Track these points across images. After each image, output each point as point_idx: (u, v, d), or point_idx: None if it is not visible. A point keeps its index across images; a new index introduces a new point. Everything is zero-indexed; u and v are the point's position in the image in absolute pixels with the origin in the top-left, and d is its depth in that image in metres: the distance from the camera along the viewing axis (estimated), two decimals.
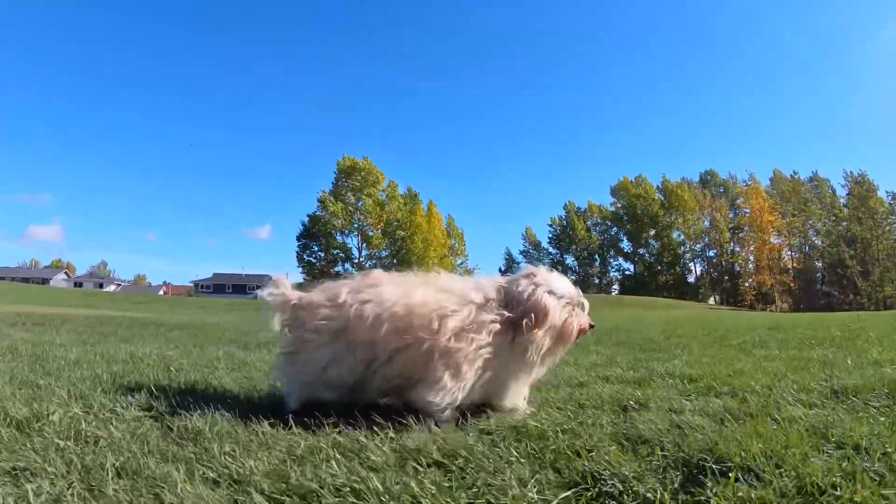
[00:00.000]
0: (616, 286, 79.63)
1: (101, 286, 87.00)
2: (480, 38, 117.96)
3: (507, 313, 2.79)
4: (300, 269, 75.49)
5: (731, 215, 76.53)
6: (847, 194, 72.55)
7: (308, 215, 73.17)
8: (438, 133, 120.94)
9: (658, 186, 77.50)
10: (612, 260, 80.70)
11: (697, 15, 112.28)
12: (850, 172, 71.73)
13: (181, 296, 74.32)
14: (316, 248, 73.92)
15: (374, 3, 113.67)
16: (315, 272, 74.58)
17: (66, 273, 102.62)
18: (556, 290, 2.88)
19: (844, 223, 71.12)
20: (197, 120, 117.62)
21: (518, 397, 3.06)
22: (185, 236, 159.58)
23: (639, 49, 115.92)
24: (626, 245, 79.81)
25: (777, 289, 72.57)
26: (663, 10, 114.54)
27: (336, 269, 75.06)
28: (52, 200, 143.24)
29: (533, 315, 2.76)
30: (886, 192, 69.62)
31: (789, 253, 74.85)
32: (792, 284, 72.93)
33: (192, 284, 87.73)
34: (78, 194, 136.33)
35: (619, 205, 78.45)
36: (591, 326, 3.06)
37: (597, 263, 79.76)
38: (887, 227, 68.98)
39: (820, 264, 73.63)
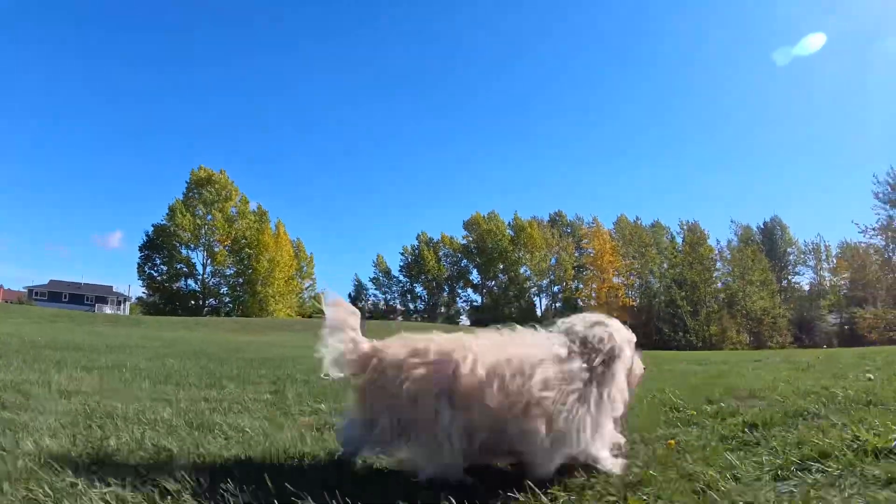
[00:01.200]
0: (463, 316, 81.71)
1: None
2: (342, 62, 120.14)
3: (588, 358, 2.87)
4: (140, 282, 74.13)
5: (576, 254, 79.95)
6: (682, 241, 77.31)
7: (153, 225, 72.28)
8: (293, 154, 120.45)
9: (509, 223, 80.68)
10: (460, 290, 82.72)
11: (559, 55, 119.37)
12: (686, 221, 76.81)
13: (10, 302, 72.17)
14: (159, 261, 72.92)
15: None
16: (156, 286, 73.58)
17: None
18: (624, 336, 3.03)
19: (678, 267, 75.54)
20: (50, 117, 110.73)
21: (603, 447, 2.99)
22: (34, 239, 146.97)
23: (501, 87, 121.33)
24: (475, 277, 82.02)
25: None
26: (525, 45, 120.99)
27: (178, 284, 74.21)
28: None
29: (613, 361, 2.89)
30: (716, 240, 74.83)
31: (628, 292, 78.46)
32: (628, 321, 76.01)
33: (25, 290, 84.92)
34: None
35: (470, 238, 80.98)
36: (644, 369, 3.25)
37: (445, 293, 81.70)
38: (714, 273, 73.55)
39: (655, 304, 77.51)
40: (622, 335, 3.00)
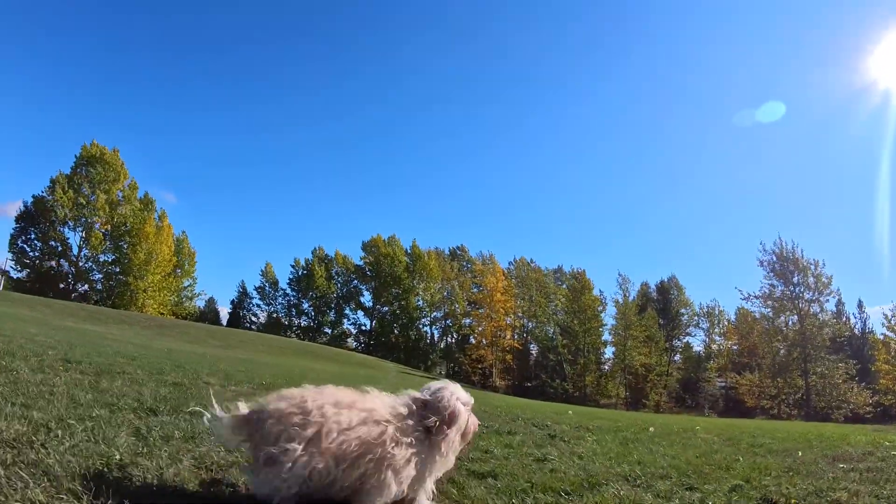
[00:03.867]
0: (350, 339, 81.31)
1: None
2: (254, 63, 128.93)
3: (427, 419, 3.52)
4: (11, 256, 73.59)
5: (474, 290, 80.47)
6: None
7: (33, 196, 72.79)
8: (196, 143, 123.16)
9: (407, 250, 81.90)
10: (350, 312, 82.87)
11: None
12: (573, 268, 78.28)
13: None
14: (34, 236, 73.15)
15: None
16: (27, 262, 73.17)
17: None
18: (461, 398, 3.69)
19: (562, 314, 76.26)
20: None
21: (429, 493, 3.74)
22: None
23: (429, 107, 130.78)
24: (367, 300, 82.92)
25: (497, 366, 75.28)
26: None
27: (50, 263, 73.86)
28: None
29: (449, 419, 3.55)
30: (599, 290, 75.92)
31: (514, 335, 78.50)
32: (512, 363, 75.92)
33: None
34: None
35: (368, 260, 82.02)
36: (478, 424, 3.98)
37: (332, 314, 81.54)
38: (595, 324, 73.72)
39: (539, 349, 77.68)
40: (461, 399, 3.70)
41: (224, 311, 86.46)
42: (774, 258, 64.55)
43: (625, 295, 74.98)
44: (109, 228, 73.95)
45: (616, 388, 73.46)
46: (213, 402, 3.53)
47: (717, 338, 77.65)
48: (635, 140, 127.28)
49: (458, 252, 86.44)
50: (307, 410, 3.28)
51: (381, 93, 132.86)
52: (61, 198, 71.27)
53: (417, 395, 3.68)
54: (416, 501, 3.62)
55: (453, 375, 75.00)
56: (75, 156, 73.94)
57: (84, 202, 72.76)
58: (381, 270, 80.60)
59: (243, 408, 3.44)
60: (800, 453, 7.37)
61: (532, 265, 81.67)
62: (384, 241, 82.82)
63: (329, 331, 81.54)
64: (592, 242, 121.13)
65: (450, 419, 3.54)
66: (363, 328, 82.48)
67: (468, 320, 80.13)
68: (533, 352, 79.96)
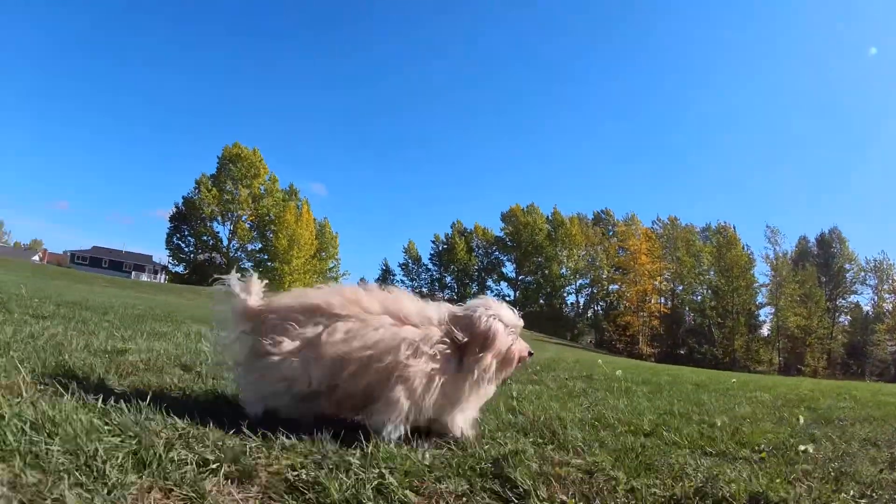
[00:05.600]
0: None
1: None
2: (393, 48, 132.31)
3: (457, 337, 3.14)
4: (168, 253, 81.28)
5: (620, 254, 79.85)
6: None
7: (183, 197, 79.15)
8: (337, 133, 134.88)
9: (548, 217, 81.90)
10: (493, 284, 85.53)
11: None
12: (719, 223, 75.25)
13: (51, 264, 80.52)
14: (186, 233, 79.54)
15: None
16: (182, 257, 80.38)
17: None
18: (503, 318, 3.25)
19: (709, 273, 74.49)
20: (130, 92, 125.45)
21: (465, 422, 3.39)
22: (100, 210, 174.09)
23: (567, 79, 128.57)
24: (509, 270, 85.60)
25: (644, 333, 75.48)
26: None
27: (203, 256, 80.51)
28: None
29: (483, 340, 3.14)
30: (746, 245, 73.06)
31: (663, 299, 77.87)
32: (659, 329, 75.71)
33: (67, 254, 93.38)
34: None
35: (508, 230, 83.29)
36: (530, 354, 3.45)
37: (474, 286, 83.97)
38: (742, 282, 71.36)
39: (686, 312, 76.95)
40: (504, 320, 3.25)
41: None
42: None
43: (775, 249, 72.10)
44: (255, 220, 78.92)
45: (769, 353, 72.10)
46: (234, 284, 3.41)
47: (888, 295, 73.38)
48: (787, 85, 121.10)
49: (603, 216, 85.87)
50: (311, 308, 3.16)
51: (514, 59, 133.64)
52: (206, 196, 76.65)
53: (452, 308, 3.37)
54: (448, 427, 3.31)
55: (601, 344, 76.40)
56: (217, 157, 78.96)
57: (229, 198, 78.19)
58: (521, 240, 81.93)
59: (254, 298, 3.34)
60: (817, 416, 5.81)
61: (678, 223, 79.47)
62: (522, 210, 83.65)
63: None
64: (742, 198, 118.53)
65: (483, 340, 3.14)
66: (507, 299, 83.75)
67: (614, 286, 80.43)
68: (688, 318, 79.24)
